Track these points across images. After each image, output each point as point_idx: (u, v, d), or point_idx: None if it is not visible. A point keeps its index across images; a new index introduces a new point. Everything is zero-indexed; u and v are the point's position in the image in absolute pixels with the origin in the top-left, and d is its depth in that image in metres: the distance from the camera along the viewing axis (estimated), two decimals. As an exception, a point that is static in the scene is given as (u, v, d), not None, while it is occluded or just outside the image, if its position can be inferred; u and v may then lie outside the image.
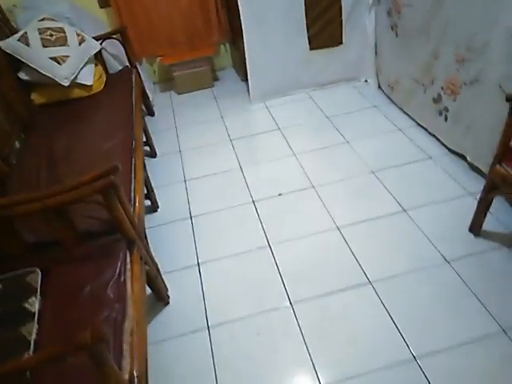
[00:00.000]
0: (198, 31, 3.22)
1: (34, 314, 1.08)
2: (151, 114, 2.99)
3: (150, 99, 2.99)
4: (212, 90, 3.25)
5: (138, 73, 2.73)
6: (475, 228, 1.71)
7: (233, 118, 2.82)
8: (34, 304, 1.13)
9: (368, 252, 1.71)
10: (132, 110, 2.23)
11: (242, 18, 2.58)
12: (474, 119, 1.92)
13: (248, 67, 2.82)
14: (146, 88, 2.93)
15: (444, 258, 1.64)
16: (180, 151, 2.55)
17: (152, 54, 3.26)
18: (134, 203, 1.56)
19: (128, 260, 1.30)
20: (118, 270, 1.24)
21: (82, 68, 2.31)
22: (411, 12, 2.21)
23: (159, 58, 3.17)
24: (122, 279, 1.22)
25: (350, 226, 1.84)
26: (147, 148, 2.51)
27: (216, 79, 3.36)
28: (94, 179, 1.24)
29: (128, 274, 1.24)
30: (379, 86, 2.88)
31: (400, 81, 2.52)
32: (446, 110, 2.10)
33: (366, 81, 2.99)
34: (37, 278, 1.21)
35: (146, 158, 2.46)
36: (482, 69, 1.78)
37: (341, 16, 2.71)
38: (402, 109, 2.58)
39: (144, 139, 2.44)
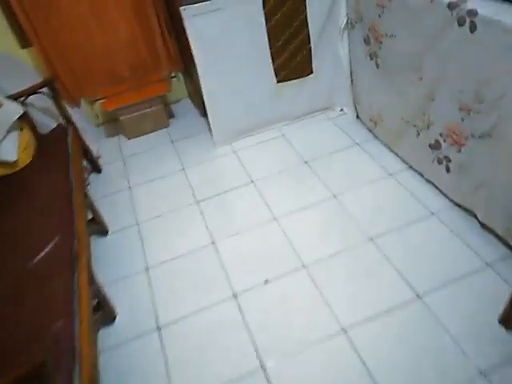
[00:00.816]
0: (143, 64, 2.76)
1: None
2: (97, 170, 2.53)
3: (95, 152, 2.53)
4: (168, 130, 2.81)
5: (76, 129, 2.26)
6: (507, 321, 1.42)
7: (196, 170, 2.42)
8: None
9: (386, 366, 1.39)
10: (71, 188, 1.79)
11: (194, 54, 2.17)
12: (486, 175, 1.63)
13: (208, 108, 2.42)
14: (88, 139, 2.47)
15: (476, 367, 1.35)
16: (137, 224, 2.12)
17: (92, 95, 2.78)
18: (81, 364, 1.15)
19: None
20: None
21: (1, 141, 1.83)
22: (395, 44, 1.88)
23: (101, 101, 2.69)
24: None
25: (358, 326, 1.51)
26: (96, 223, 2.07)
27: (171, 115, 2.92)
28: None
29: None
30: (357, 116, 2.55)
31: (384, 117, 2.21)
32: (448, 159, 1.80)
33: (341, 110, 2.66)
34: None
35: (94, 237, 2.04)
36: (496, 124, 1.48)
37: (309, 43, 2.35)
38: (388, 147, 2.28)
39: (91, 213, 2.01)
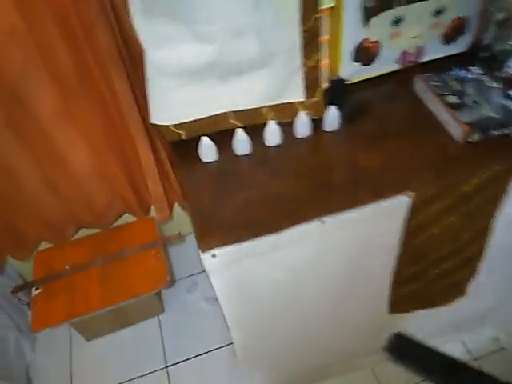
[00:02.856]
0: (122, 202, 1.49)
1: None
2: None
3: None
4: (161, 323, 1.56)
5: None
6: None
7: None
8: None
9: None
10: None
11: (221, 305, 0.89)
12: None
13: (233, 336, 1.14)
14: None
15: None
16: None
17: (22, 258, 1.51)
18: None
19: None
20: None
21: None
22: None
23: (36, 293, 1.40)
24: None
25: None
26: None
27: (169, 279, 1.65)
28: None
29: None
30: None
31: None
32: None
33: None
34: None
35: None
36: None
37: (479, 260, 1.06)
38: None
39: None
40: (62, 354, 1.49)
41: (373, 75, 1.01)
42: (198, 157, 0.87)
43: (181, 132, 0.86)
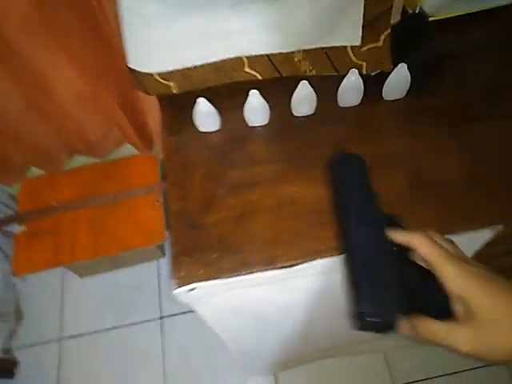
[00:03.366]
0: (120, 131, 1.26)
1: None
2: (7, 374, 1.26)
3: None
4: (159, 266, 1.43)
5: None
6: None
7: None
8: None
9: None
10: None
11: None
12: None
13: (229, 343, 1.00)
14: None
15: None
16: None
17: (8, 182, 1.34)
18: None
19: None
20: None
21: None
22: None
23: (18, 232, 1.24)
24: None
25: None
26: None
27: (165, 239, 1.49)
28: None
29: None
30: None
31: None
32: None
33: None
34: None
35: None
36: None
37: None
38: None
39: None
40: (54, 288, 1.40)
41: (469, 11, 0.66)
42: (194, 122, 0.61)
43: (170, 84, 0.59)
